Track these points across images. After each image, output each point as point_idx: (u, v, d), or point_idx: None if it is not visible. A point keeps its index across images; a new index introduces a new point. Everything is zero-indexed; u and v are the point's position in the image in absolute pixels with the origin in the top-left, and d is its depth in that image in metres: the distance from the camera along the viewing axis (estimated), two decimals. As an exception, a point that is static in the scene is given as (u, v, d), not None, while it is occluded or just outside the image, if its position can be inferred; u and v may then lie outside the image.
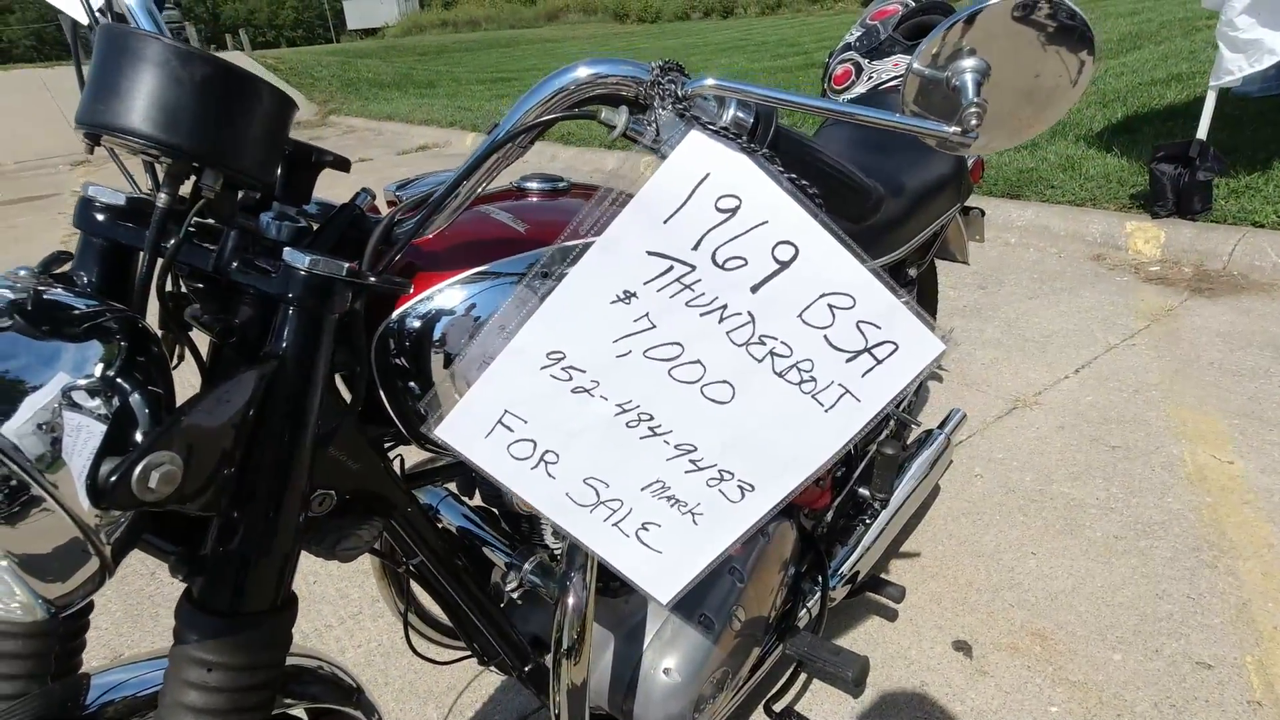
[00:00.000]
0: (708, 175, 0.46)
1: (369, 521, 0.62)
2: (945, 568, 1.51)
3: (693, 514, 0.54)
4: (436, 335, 0.60)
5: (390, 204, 0.70)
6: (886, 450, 1.24)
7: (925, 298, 1.64)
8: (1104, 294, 2.69)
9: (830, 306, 0.48)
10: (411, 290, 0.59)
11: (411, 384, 0.63)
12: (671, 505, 0.54)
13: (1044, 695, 1.22)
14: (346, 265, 0.49)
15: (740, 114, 0.48)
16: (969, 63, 0.45)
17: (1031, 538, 1.57)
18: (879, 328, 0.48)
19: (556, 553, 0.80)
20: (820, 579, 1.15)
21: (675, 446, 0.52)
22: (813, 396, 0.50)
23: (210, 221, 0.52)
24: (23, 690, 0.55)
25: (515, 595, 0.79)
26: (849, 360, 0.49)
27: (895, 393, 0.50)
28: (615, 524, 0.55)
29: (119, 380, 0.43)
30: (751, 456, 0.52)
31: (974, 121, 0.45)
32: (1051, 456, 1.82)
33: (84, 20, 0.59)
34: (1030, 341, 2.39)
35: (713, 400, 0.51)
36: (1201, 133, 2.99)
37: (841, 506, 1.26)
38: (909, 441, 1.49)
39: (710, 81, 0.47)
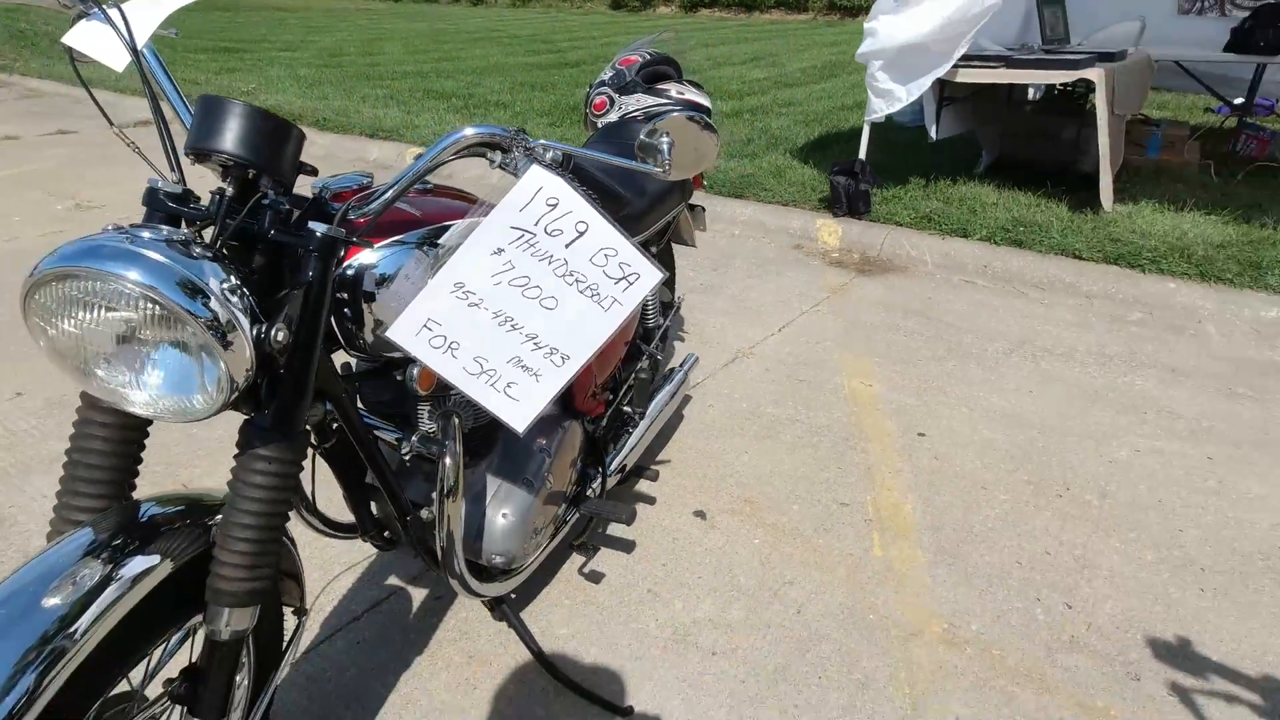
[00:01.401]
0: (541, 188, 0.90)
1: (321, 400, 0.97)
2: (688, 466, 2.08)
3: (535, 375, 0.97)
4: (377, 276, 0.97)
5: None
6: (642, 376, 1.76)
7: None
8: (801, 274, 3.52)
9: (604, 254, 0.94)
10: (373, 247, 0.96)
11: (346, 310, 0.99)
12: (523, 370, 0.97)
13: (752, 535, 1.82)
14: (344, 230, 0.85)
15: (557, 155, 0.92)
16: (665, 139, 0.93)
17: (746, 443, 2.20)
18: (629, 265, 0.95)
19: (431, 432, 1.17)
20: (600, 468, 1.63)
21: (525, 335, 0.95)
22: (598, 303, 0.96)
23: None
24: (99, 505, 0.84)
25: (407, 459, 1.16)
26: (615, 283, 0.95)
27: (639, 299, 0.97)
28: (491, 384, 0.96)
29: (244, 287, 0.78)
30: (566, 338, 0.96)
31: (667, 167, 0.93)
32: (761, 389, 2.49)
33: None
34: (749, 310, 3.10)
35: (545, 308, 0.95)
36: (862, 154, 3.97)
37: (612, 418, 1.75)
38: (658, 375, 2.03)
39: (543, 141, 0.90)
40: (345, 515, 1.24)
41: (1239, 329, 2.96)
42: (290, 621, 1.11)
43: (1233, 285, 3.13)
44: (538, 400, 0.98)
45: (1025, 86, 4.79)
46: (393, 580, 1.67)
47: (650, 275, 0.96)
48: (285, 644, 1.12)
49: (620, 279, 0.96)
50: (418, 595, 1.63)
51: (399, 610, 1.59)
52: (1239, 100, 5.47)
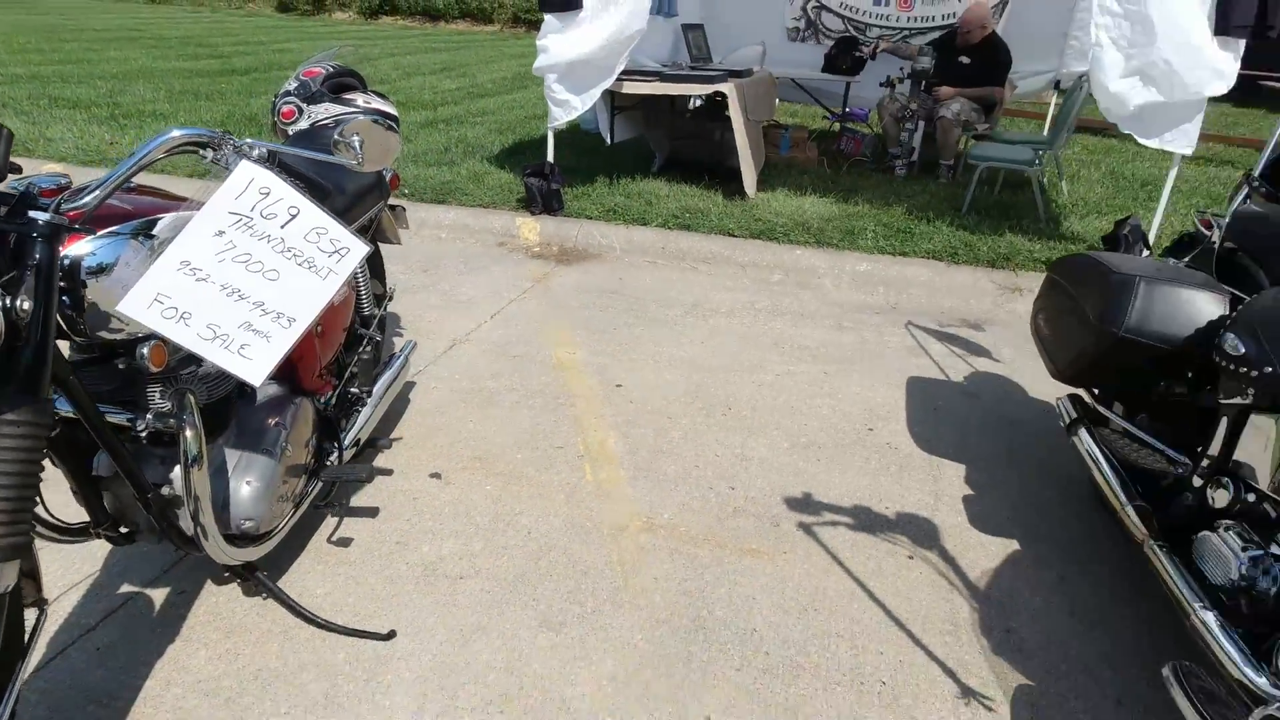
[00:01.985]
0: (253, 179, 1.08)
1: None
2: (421, 438, 2.29)
3: (265, 336, 1.15)
4: (95, 264, 1.07)
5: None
6: (365, 358, 1.94)
7: (375, 268, 2.36)
8: (508, 267, 3.84)
9: (316, 232, 1.15)
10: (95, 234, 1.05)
11: (65, 298, 1.07)
12: (254, 334, 1.13)
13: (485, 484, 2.09)
14: (67, 218, 0.96)
15: (263, 151, 1.11)
16: (356, 138, 1.16)
17: (470, 413, 2.46)
18: (339, 241, 1.17)
19: (166, 410, 1.26)
20: (335, 442, 1.79)
21: (253, 303, 1.12)
22: (315, 274, 1.16)
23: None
24: None
25: (143, 437, 1.24)
26: (329, 255, 1.17)
27: (351, 269, 1.19)
28: (225, 347, 1.11)
29: None
30: (291, 303, 1.15)
31: (360, 160, 1.17)
32: (480, 368, 2.76)
33: None
34: (461, 303, 3.35)
35: (269, 279, 1.13)
36: (550, 157, 4.41)
37: (341, 397, 1.90)
38: (381, 360, 2.20)
39: (249, 140, 1.09)
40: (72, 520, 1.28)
41: (845, 280, 3.88)
42: (32, 615, 1.14)
43: (838, 248, 4.08)
44: (270, 357, 1.16)
45: (687, 96, 5.63)
46: (127, 588, 1.66)
47: (358, 249, 1.19)
48: (27, 637, 1.15)
49: (333, 252, 1.18)
50: (159, 594, 1.65)
51: (140, 611, 1.60)
52: (848, 110, 6.93)
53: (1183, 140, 3.57)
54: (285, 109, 2.12)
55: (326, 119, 2.09)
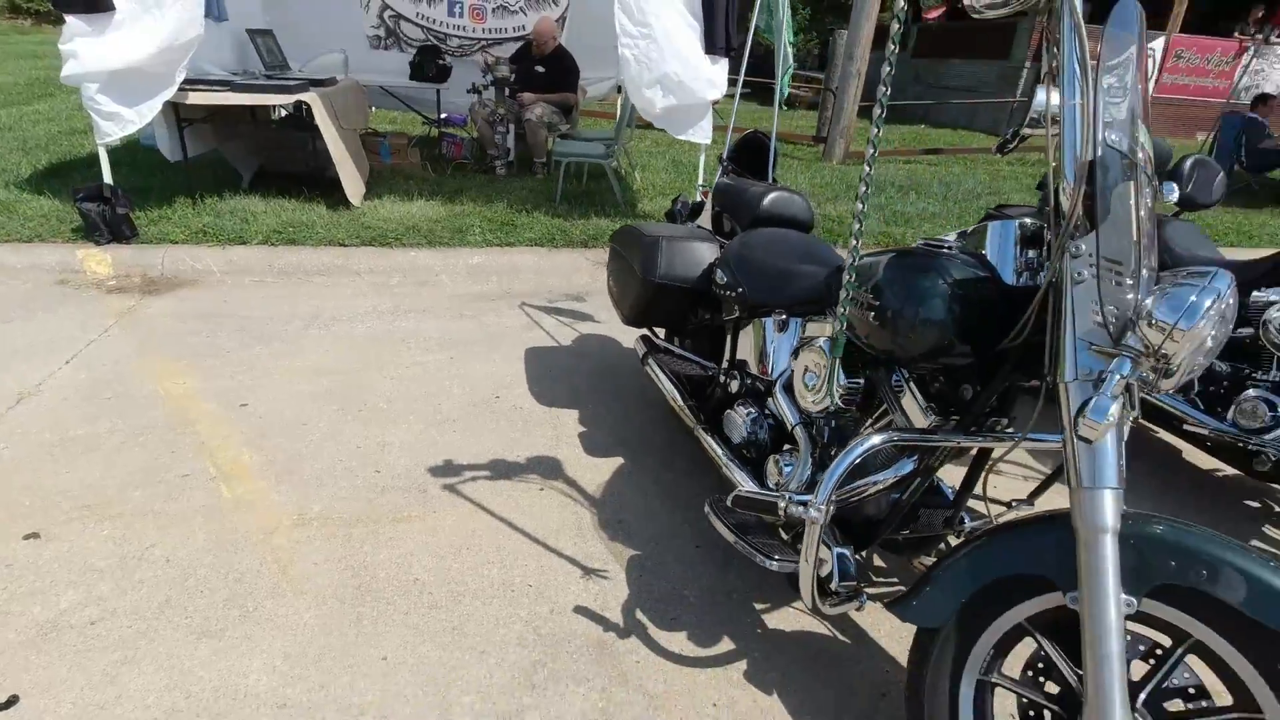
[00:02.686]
0: None
1: None
2: (10, 500, 2.00)
3: None
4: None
5: None
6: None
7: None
8: (77, 307, 3.36)
9: None
10: None
11: None
12: None
13: (100, 531, 1.93)
14: None
15: None
16: None
17: (63, 465, 2.20)
18: None
19: None
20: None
21: None
22: None
23: None
24: None
25: None
26: None
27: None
28: None
29: None
30: None
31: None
32: (65, 417, 2.45)
33: None
34: (17, 354, 2.87)
35: None
36: (108, 178, 3.91)
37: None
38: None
39: None
40: None
41: (460, 274, 4.17)
42: None
43: (450, 246, 4.35)
44: None
45: (269, 107, 5.35)
46: None
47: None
48: None
49: None
50: None
51: None
52: (445, 115, 7.19)
53: (700, 134, 4.58)
54: None
55: None
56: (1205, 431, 2.38)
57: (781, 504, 1.42)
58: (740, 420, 2.01)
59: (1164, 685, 1.19)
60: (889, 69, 1.22)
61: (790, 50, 4.18)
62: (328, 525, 2.03)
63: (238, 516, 2.03)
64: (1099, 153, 1.15)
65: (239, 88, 4.32)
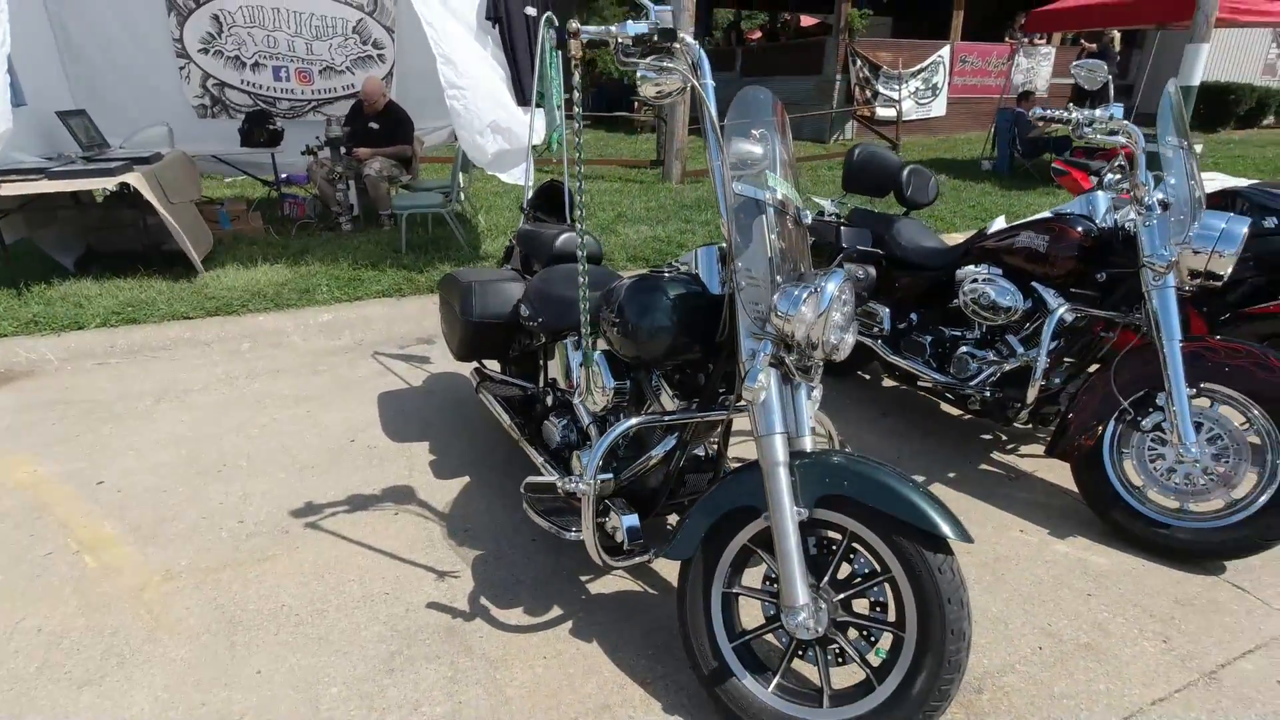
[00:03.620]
0: None
1: None
2: None
3: None
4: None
5: None
6: None
7: None
8: (-93, 413, 3.33)
9: None
10: None
11: None
12: None
13: (-33, 615, 2.07)
14: None
15: None
16: None
17: (-79, 563, 2.29)
18: None
19: None
20: None
21: None
22: None
23: None
24: None
25: None
26: None
27: None
28: None
29: None
30: None
31: None
32: (-86, 520, 2.51)
33: None
34: None
35: None
36: (-73, 279, 3.85)
37: None
38: None
39: None
40: None
41: (313, 332, 4.36)
42: None
43: (298, 306, 4.52)
44: None
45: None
46: None
47: None
48: None
49: None
50: None
51: None
52: (285, 175, 7.24)
53: (517, 175, 4.99)
54: None
55: None
56: (930, 385, 3.00)
57: (559, 484, 1.81)
58: (553, 429, 2.40)
59: (840, 571, 1.66)
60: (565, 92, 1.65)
61: (558, 112, 4.67)
62: (196, 575, 2.25)
63: (106, 582, 2.21)
64: (731, 201, 1.62)
65: (55, 174, 4.34)
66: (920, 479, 2.82)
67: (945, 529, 1.48)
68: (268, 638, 1.99)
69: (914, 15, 16.54)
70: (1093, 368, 2.80)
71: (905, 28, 16.04)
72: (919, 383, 3.05)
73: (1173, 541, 2.33)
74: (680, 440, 1.96)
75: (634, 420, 1.80)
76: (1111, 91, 2.46)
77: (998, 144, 10.24)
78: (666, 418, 1.86)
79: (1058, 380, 2.82)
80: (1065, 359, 2.78)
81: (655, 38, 1.59)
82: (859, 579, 1.66)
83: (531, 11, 5.01)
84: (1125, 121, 2.39)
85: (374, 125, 6.43)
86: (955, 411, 3.37)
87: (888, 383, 3.68)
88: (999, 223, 3.06)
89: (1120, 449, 2.48)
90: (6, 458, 2.93)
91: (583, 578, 2.24)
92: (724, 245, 1.84)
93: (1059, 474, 2.79)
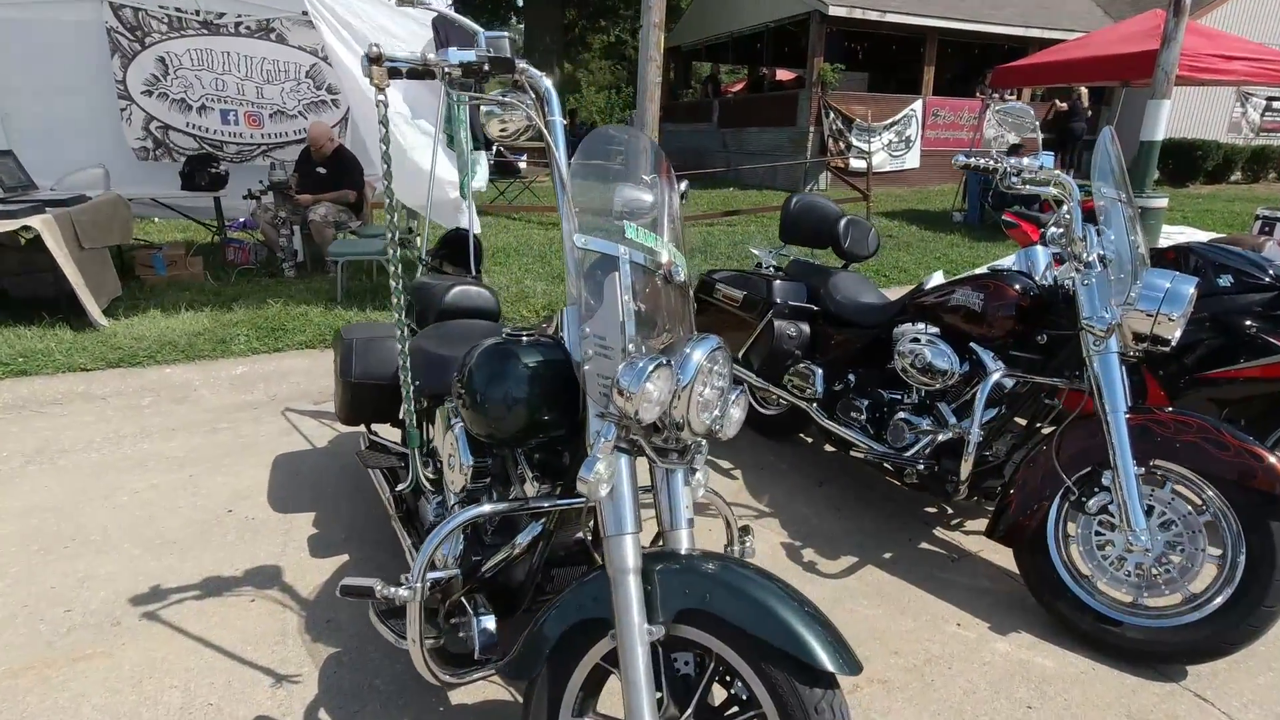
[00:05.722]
0: None
1: None
2: None
3: None
4: None
5: None
6: None
7: None
8: None
9: None
10: None
11: None
12: None
13: None
14: None
15: None
16: None
17: None
18: None
19: None
20: None
21: None
22: None
23: None
24: None
25: None
26: None
27: None
28: None
29: None
30: None
31: None
32: None
33: None
34: None
35: None
36: None
37: None
38: None
39: None
40: None
41: (223, 386, 4.06)
42: None
43: (211, 358, 4.24)
44: None
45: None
46: None
47: None
48: None
49: None
50: None
51: None
52: (240, 220, 7.03)
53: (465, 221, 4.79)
54: None
55: None
56: (862, 455, 2.74)
57: (378, 589, 1.52)
58: (427, 507, 2.11)
59: (709, 698, 1.37)
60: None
61: (470, 159, 4.50)
62: (-8, 679, 1.92)
63: (-120, 689, 1.88)
64: (576, 255, 1.37)
65: (-44, 216, 4.08)
66: (850, 561, 2.54)
67: (824, 660, 1.20)
68: (47, 766, 1.66)
69: (886, 71, 16.84)
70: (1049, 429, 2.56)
71: (878, 81, 16.28)
72: (852, 450, 2.80)
73: (1124, 641, 2.05)
74: (545, 530, 1.68)
75: (469, 512, 1.52)
76: (1040, 139, 2.27)
77: (968, 196, 10.23)
78: (504, 505, 1.58)
79: (1001, 450, 2.57)
80: (1006, 428, 2.53)
81: (486, 67, 1.36)
82: (735, 707, 1.37)
83: (472, 55, 4.89)
84: (1056, 171, 2.20)
85: (321, 170, 6.24)
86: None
87: (829, 447, 3.42)
88: (937, 277, 2.84)
89: (1066, 532, 2.22)
90: None
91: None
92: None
93: (1006, 555, 2.52)
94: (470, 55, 1.35)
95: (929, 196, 12.76)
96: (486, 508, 1.54)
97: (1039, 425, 2.58)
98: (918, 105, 14.39)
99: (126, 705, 1.84)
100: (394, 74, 1.31)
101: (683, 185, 2.07)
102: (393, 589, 1.49)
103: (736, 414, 1.48)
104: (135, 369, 4.04)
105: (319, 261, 6.37)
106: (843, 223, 3.16)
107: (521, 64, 1.42)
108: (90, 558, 2.46)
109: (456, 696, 1.89)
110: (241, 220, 7.09)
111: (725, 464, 3.26)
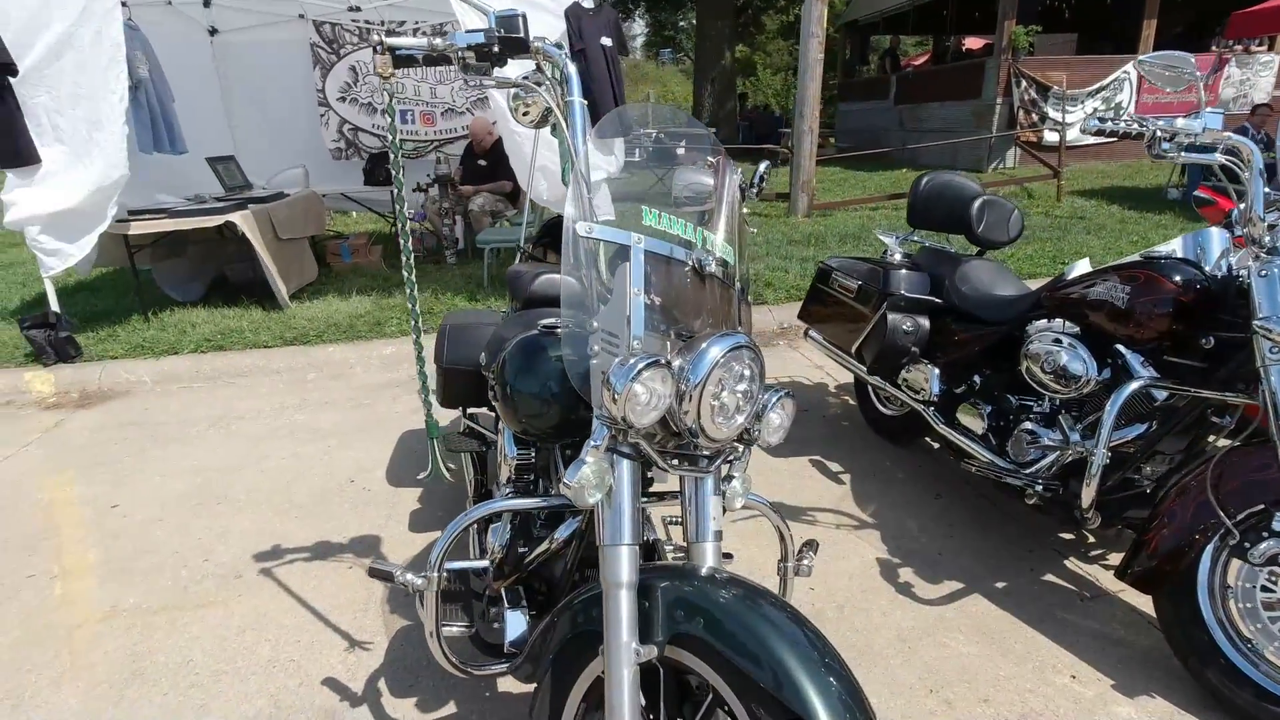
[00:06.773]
0: None
1: None
2: None
3: None
4: None
5: None
6: None
7: None
8: (9, 425, 3.72)
9: None
10: None
11: None
12: None
13: (-73, 634, 2.16)
14: None
15: None
16: None
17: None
18: None
19: None
20: None
21: None
22: None
23: None
24: None
25: None
26: None
27: None
28: None
29: None
30: None
31: None
32: (-51, 531, 2.73)
33: None
34: (-60, 473, 3.20)
35: None
36: (55, 306, 4.34)
37: None
38: None
39: None
40: None
41: (374, 366, 4.44)
42: None
43: (367, 339, 4.65)
44: None
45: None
46: None
47: None
48: None
49: None
50: None
51: None
52: (412, 211, 7.67)
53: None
54: None
55: None
56: (973, 469, 2.43)
57: (397, 574, 1.55)
58: (496, 495, 2.15)
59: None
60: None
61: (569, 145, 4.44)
62: (134, 616, 2.23)
63: (55, 613, 2.25)
64: (582, 244, 1.31)
65: (177, 214, 4.78)
66: (953, 587, 2.27)
67: (818, 713, 1.05)
68: (155, 698, 1.90)
69: (1095, 30, 14.85)
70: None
71: (1086, 43, 14.42)
72: (965, 460, 2.49)
73: (1289, 725, 1.66)
74: (578, 529, 1.64)
75: (482, 509, 1.51)
76: (1203, 98, 1.86)
77: (1187, 169, 8.78)
78: (519, 502, 1.56)
79: (1156, 473, 2.17)
80: (1159, 449, 2.13)
81: (497, 48, 1.33)
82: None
83: (608, 42, 4.91)
84: (1227, 133, 1.79)
85: (482, 162, 6.62)
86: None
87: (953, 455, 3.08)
88: (1083, 265, 2.44)
89: (1224, 582, 1.83)
90: (53, 475, 3.16)
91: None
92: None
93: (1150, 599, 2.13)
94: (479, 37, 1.33)
95: (1141, 170, 11.14)
96: (498, 504, 1.53)
97: (1204, 446, 2.14)
98: (1131, 67, 12.56)
99: (229, 652, 2.06)
100: (400, 62, 1.32)
101: (762, 166, 1.94)
102: (410, 575, 1.52)
103: (777, 419, 1.34)
104: (304, 347, 4.52)
105: (479, 249, 6.77)
106: (977, 204, 2.81)
107: (537, 43, 1.37)
108: (232, 515, 2.79)
109: (504, 684, 1.92)
110: (413, 212, 7.70)
111: (834, 466, 3.04)
